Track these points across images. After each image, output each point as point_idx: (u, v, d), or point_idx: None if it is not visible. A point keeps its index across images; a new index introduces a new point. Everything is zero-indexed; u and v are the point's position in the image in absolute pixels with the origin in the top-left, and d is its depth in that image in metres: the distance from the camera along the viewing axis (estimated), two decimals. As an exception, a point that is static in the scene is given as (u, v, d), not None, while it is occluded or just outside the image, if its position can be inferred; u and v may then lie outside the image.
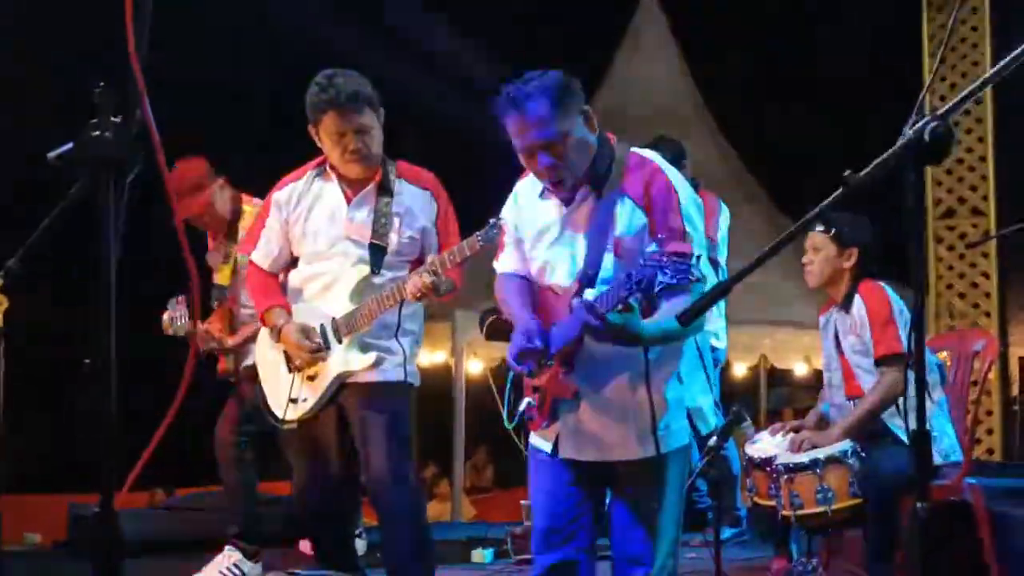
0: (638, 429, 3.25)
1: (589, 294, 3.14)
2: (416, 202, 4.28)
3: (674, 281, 2.86)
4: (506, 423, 3.46)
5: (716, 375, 6.65)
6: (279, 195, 4.38)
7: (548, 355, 3.27)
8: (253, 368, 5.40)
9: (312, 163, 4.37)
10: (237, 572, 5.34)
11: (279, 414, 4.37)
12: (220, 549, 5.45)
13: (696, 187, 6.49)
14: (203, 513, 6.30)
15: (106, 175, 1.77)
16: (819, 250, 4.74)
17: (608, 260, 3.18)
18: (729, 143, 10.77)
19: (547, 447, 3.39)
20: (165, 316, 5.35)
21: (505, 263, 3.53)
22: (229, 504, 5.51)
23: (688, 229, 3.15)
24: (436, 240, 4.29)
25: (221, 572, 5.37)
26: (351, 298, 4.22)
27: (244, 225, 5.41)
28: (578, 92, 3.24)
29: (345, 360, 4.23)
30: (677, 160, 6.51)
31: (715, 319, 6.45)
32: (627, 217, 3.19)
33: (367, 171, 4.25)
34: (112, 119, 1.77)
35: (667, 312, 3.08)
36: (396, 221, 4.25)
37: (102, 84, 1.79)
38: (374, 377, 4.23)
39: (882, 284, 4.70)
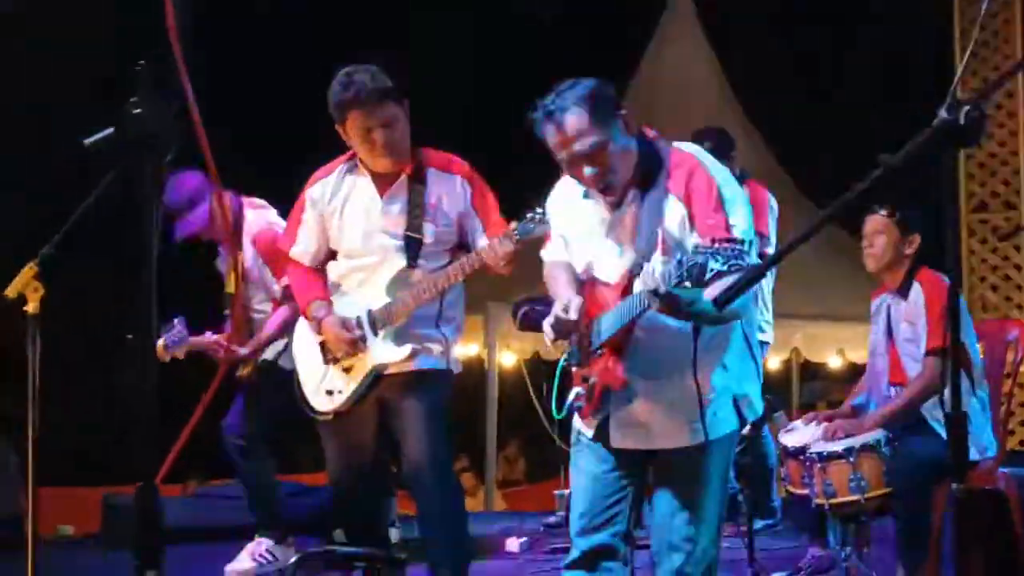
0: (686, 417, 3.26)
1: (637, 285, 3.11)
2: (449, 189, 4.26)
3: (726, 268, 2.79)
4: (555, 413, 3.45)
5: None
6: (312, 191, 4.38)
7: (597, 344, 3.27)
8: (269, 363, 5.44)
9: (342, 157, 4.36)
10: (271, 558, 5.38)
11: (315, 405, 4.39)
12: (252, 537, 5.49)
13: (743, 179, 6.54)
14: (236, 501, 6.33)
15: (146, 153, 1.79)
16: (881, 234, 4.71)
17: (658, 259, 3.11)
18: (760, 134, 10.72)
19: (590, 433, 3.40)
20: (159, 343, 5.30)
21: (553, 252, 3.55)
22: (246, 493, 5.54)
23: (732, 220, 3.14)
24: (478, 222, 4.26)
25: (255, 559, 5.41)
26: (388, 291, 4.23)
27: (248, 230, 5.40)
28: (612, 98, 3.26)
29: (381, 353, 4.23)
30: (725, 151, 6.49)
31: (762, 311, 6.43)
32: (672, 214, 3.19)
33: (397, 164, 4.24)
34: (152, 96, 1.79)
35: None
36: (431, 211, 4.25)
37: (142, 61, 1.80)
38: (414, 366, 4.24)
39: (943, 276, 4.67)
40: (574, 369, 3.42)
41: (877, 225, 4.72)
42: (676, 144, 3.34)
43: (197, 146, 1.90)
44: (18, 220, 9.05)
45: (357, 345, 4.22)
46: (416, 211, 4.25)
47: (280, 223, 5.18)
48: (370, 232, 4.28)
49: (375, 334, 4.24)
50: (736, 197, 3.21)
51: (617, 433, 3.34)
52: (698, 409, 3.24)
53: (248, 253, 5.38)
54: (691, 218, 3.17)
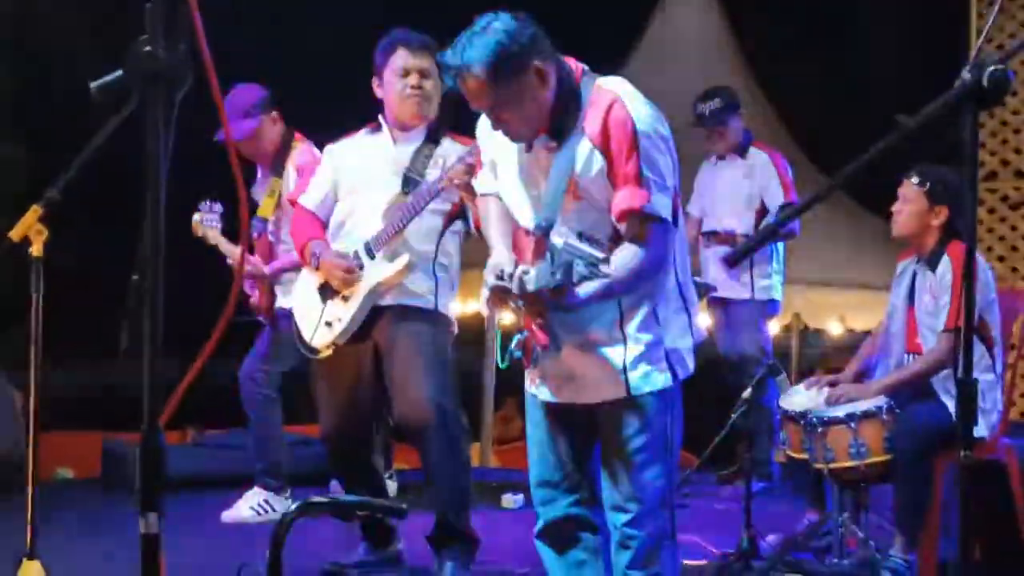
0: (613, 369, 3.13)
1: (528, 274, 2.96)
2: (458, 151, 4.28)
3: (587, 273, 2.80)
4: (499, 363, 3.24)
5: (766, 328, 6.67)
6: (332, 146, 4.61)
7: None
8: (288, 309, 5.46)
9: (369, 125, 4.54)
10: (268, 508, 5.41)
11: (310, 340, 4.43)
12: (250, 486, 5.51)
13: (749, 140, 6.53)
14: (234, 451, 6.35)
15: (156, 92, 1.76)
16: (910, 201, 4.65)
17: (568, 203, 3.05)
18: (767, 100, 10.65)
19: (533, 388, 3.31)
20: (196, 216, 5.36)
21: (484, 183, 3.38)
22: (254, 441, 5.56)
23: (647, 173, 2.98)
24: None
25: (252, 508, 5.43)
26: (383, 219, 4.31)
27: (292, 161, 5.44)
28: (524, 47, 2.98)
29: (377, 272, 4.31)
30: (732, 109, 6.48)
31: (774, 273, 6.45)
32: (584, 159, 3.03)
33: (419, 116, 4.39)
34: (162, 34, 1.76)
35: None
36: (438, 162, 4.32)
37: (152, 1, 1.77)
38: (407, 301, 4.33)
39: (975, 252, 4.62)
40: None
41: (907, 192, 4.65)
42: (600, 80, 3.11)
43: (208, 85, 1.86)
44: (20, 166, 9.03)
45: (354, 272, 4.30)
46: (423, 158, 4.38)
47: None
48: (375, 170, 4.40)
49: (371, 258, 4.33)
50: (655, 142, 3.01)
51: (546, 385, 3.25)
52: (623, 363, 3.12)
53: (290, 179, 5.41)
54: (609, 173, 3.01)
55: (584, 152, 3.03)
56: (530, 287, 2.92)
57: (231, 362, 5.52)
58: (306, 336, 4.45)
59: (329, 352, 4.40)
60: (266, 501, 5.43)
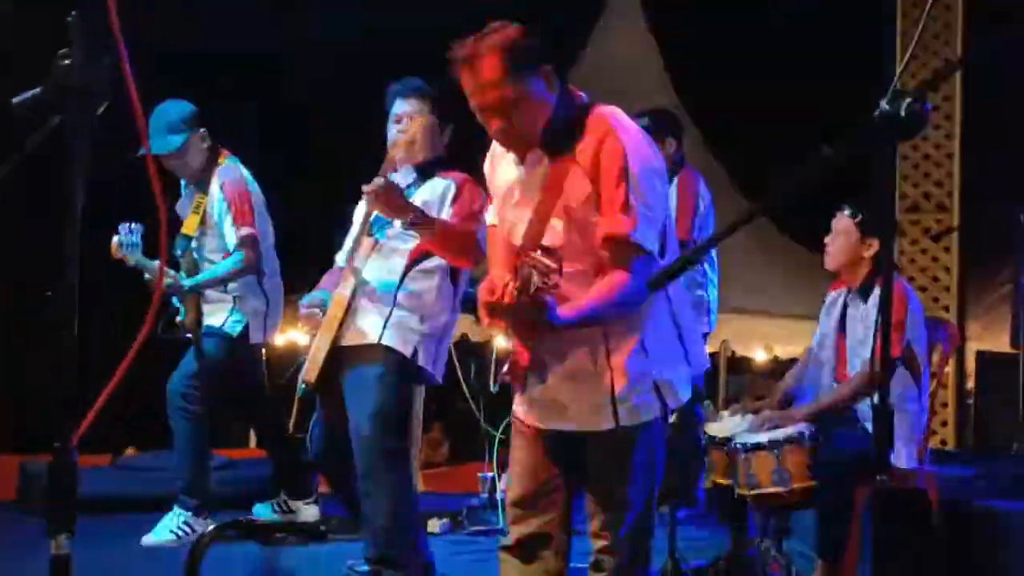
0: (597, 400, 3.14)
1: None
2: (438, 189, 4.36)
3: (540, 283, 2.83)
4: (491, 387, 3.30)
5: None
6: None
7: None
8: (216, 327, 5.43)
9: None
10: (188, 530, 5.32)
11: (301, 374, 4.45)
12: (171, 508, 5.43)
13: (681, 165, 6.45)
14: (156, 473, 6.27)
15: (77, 104, 1.74)
16: (842, 233, 4.71)
17: (558, 225, 3.07)
18: (695, 126, 10.74)
19: (522, 413, 3.33)
20: (115, 239, 5.30)
21: (490, 215, 3.44)
22: (177, 460, 5.49)
23: (634, 202, 2.98)
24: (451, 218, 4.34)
25: (172, 531, 5.34)
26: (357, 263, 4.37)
27: (218, 178, 5.42)
28: (536, 48, 3.06)
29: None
30: (673, 133, 6.38)
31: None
32: (574, 184, 3.05)
33: (406, 155, 4.41)
34: (84, 48, 1.74)
35: (586, 299, 3.03)
36: (415, 199, 4.30)
37: (74, 12, 1.75)
38: (355, 341, 4.32)
39: (905, 285, 4.70)
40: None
41: (840, 224, 4.73)
42: (600, 108, 3.13)
43: (128, 100, 1.84)
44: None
45: (310, 319, 4.37)
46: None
47: (250, 180, 5.45)
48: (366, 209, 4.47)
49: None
50: (646, 171, 3.04)
51: (534, 412, 3.27)
52: (610, 393, 3.12)
53: (214, 197, 5.37)
54: (596, 198, 3.03)
55: (574, 176, 3.05)
56: (505, 299, 2.93)
57: (159, 380, 5.46)
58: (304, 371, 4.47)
59: (308, 386, 4.39)
60: (186, 523, 5.35)
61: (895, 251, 8.70)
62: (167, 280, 5.27)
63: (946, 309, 8.71)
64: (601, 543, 3.24)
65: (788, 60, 9.31)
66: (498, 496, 6.20)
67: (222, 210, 5.41)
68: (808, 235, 5.41)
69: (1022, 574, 4.61)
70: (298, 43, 9.58)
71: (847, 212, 4.69)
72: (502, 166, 3.27)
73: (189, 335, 5.49)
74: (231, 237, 5.39)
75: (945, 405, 8.63)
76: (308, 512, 5.58)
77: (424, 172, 4.45)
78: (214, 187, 5.42)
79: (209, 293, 5.50)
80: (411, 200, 4.24)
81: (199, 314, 5.45)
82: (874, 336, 4.46)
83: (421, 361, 4.34)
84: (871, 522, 4.32)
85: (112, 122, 1.87)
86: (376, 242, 4.39)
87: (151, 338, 2.07)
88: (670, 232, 3.19)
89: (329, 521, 5.53)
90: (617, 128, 3.06)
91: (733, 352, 11.11)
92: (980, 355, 8.50)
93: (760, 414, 4.66)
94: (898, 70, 7.41)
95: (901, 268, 8.74)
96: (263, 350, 5.85)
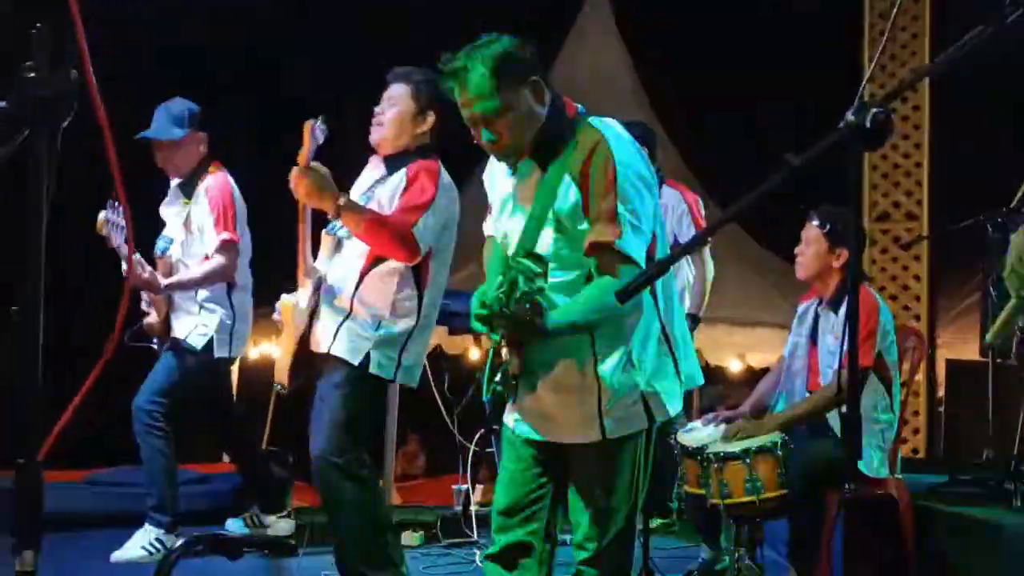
0: (584, 411, 3.16)
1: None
2: (395, 182, 4.25)
3: (526, 288, 2.87)
4: (484, 395, 3.25)
5: None
6: None
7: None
8: (180, 339, 5.40)
9: None
10: (159, 546, 5.28)
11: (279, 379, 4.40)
12: (141, 524, 5.39)
13: (661, 180, 6.47)
14: (126, 488, 6.22)
15: (41, 118, 1.73)
16: (811, 243, 4.73)
17: (549, 234, 3.10)
18: (667, 135, 10.77)
19: (512, 423, 3.34)
20: (102, 214, 5.27)
21: (486, 225, 3.46)
22: (145, 477, 5.45)
23: (622, 211, 3.01)
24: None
25: (143, 547, 5.30)
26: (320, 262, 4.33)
27: (204, 186, 5.44)
28: (527, 61, 3.10)
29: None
30: (648, 147, 6.41)
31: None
32: (564, 194, 3.08)
33: (378, 141, 4.34)
34: (49, 62, 1.73)
35: (570, 304, 3.08)
36: (375, 192, 4.27)
37: (39, 25, 1.74)
38: (314, 348, 4.26)
39: (875, 295, 4.71)
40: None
41: (809, 234, 4.76)
42: (592, 119, 3.17)
43: (94, 114, 1.83)
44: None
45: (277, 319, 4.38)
46: (369, 187, 4.37)
47: (236, 192, 5.47)
48: None
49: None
50: (632, 181, 3.06)
51: (524, 422, 3.29)
52: (597, 406, 3.14)
53: (200, 202, 5.47)
54: (584, 207, 3.05)
55: (564, 186, 3.08)
56: (495, 306, 2.97)
57: (128, 391, 5.43)
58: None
59: (282, 387, 4.34)
60: (157, 540, 5.31)
61: (865, 260, 8.75)
62: (145, 275, 5.26)
63: (916, 318, 8.76)
64: (584, 554, 3.26)
65: (764, 73, 9.34)
66: (472, 509, 6.19)
67: (205, 214, 5.42)
68: (781, 245, 5.41)
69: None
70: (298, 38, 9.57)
71: (815, 223, 4.72)
72: (498, 178, 3.31)
73: (155, 344, 5.49)
74: (212, 241, 5.39)
75: (916, 413, 8.68)
76: (281, 526, 5.56)
77: (392, 165, 4.31)
78: (200, 194, 5.45)
79: (177, 300, 5.47)
80: (373, 191, 4.22)
81: (168, 318, 5.48)
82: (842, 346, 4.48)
83: (373, 369, 4.18)
84: (842, 530, 4.33)
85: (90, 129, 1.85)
86: (336, 239, 4.28)
87: (119, 348, 2.06)
88: (661, 242, 3.20)
89: (301, 534, 5.51)
90: (608, 138, 3.10)
91: (707, 362, 11.12)
92: (950, 364, 8.55)
93: (732, 424, 4.67)
94: (864, 81, 7.46)
95: (871, 277, 8.78)
96: (231, 366, 5.82)
